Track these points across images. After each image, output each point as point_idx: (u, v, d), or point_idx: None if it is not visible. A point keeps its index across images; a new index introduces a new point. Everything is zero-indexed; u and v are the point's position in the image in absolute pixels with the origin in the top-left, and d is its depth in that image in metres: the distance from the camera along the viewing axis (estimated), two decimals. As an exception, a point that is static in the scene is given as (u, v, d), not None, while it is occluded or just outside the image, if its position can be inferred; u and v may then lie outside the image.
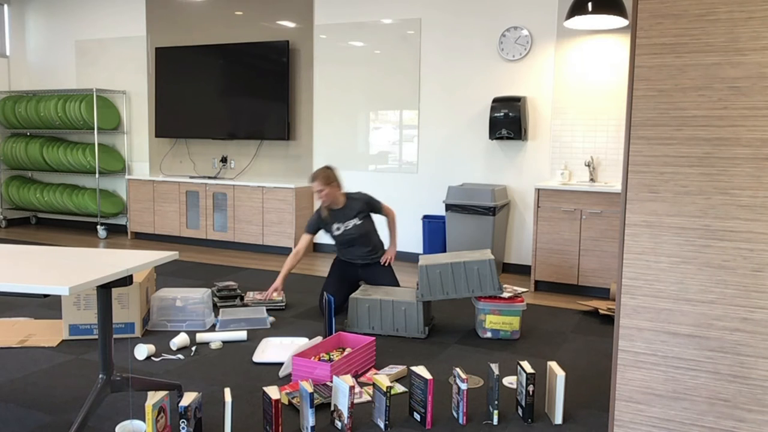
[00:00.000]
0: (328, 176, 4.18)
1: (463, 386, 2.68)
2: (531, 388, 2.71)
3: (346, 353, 3.16)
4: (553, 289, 5.09)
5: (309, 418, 2.53)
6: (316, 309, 4.44)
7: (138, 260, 2.55)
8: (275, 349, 3.56)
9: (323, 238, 6.59)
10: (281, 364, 3.36)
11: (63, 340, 3.67)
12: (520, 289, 3.99)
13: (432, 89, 5.94)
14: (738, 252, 1.98)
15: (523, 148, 5.62)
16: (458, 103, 5.84)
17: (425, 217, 5.90)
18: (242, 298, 4.55)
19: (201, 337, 3.68)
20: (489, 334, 3.83)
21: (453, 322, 4.16)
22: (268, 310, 4.39)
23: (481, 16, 5.68)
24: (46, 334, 3.77)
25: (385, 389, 2.61)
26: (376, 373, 3.19)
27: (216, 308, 4.41)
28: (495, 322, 3.80)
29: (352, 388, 2.57)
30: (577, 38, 5.32)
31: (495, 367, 2.68)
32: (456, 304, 4.57)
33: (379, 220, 5.85)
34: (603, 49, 5.23)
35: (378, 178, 6.27)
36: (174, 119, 7.08)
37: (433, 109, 5.96)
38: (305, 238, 4.32)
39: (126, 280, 2.42)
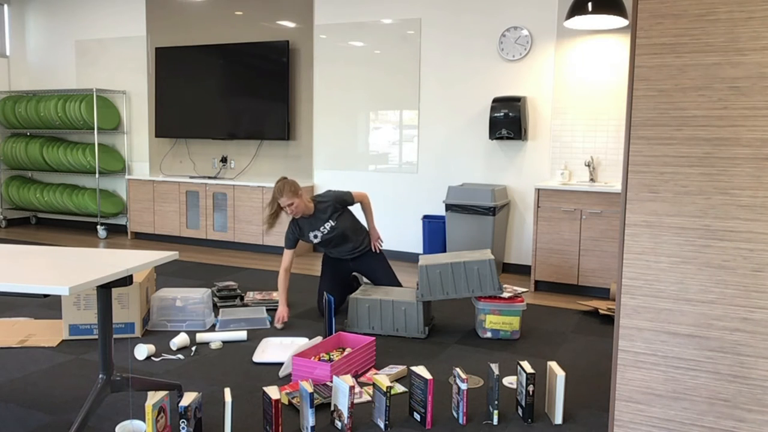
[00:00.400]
0: (294, 188, 3.99)
1: (463, 386, 2.68)
2: (531, 388, 2.71)
3: (346, 353, 3.16)
4: (553, 289, 5.09)
5: (309, 418, 2.53)
6: (316, 309, 4.44)
7: (138, 260, 2.55)
8: (275, 349, 3.56)
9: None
10: (281, 364, 3.36)
11: (63, 340, 3.67)
12: (520, 289, 3.99)
13: (432, 89, 5.94)
14: (738, 252, 1.98)
15: (523, 148, 5.62)
16: (458, 103, 5.84)
17: (425, 217, 5.90)
18: (242, 298, 4.55)
19: (201, 337, 3.68)
20: (489, 334, 3.83)
21: (453, 322, 4.16)
22: (268, 309, 4.39)
23: (481, 15, 5.68)
24: (46, 334, 3.77)
25: (385, 389, 2.61)
26: (376, 373, 3.19)
27: (216, 308, 4.41)
28: (495, 322, 3.80)
29: (352, 388, 2.57)
30: (577, 38, 5.32)
31: (495, 367, 2.68)
32: (456, 304, 4.57)
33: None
34: (603, 49, 5.23)
35: (378, 178, 6.27)
36: (174, 119, 7.08)
37: (433, 109, 5.96)
38: (288, 254, 4.16)
39: (126, 280, 2.42)
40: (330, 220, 4.16)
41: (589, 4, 4.71)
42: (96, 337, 3.70)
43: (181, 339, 3.58)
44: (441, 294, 3.79)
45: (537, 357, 3.53)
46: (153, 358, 3.44)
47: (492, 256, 3.81)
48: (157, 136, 7.20)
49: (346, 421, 2.59)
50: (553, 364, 2.81)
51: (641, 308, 2.11)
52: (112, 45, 7.54)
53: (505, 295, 3.82)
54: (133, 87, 7.47)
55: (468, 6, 5.72)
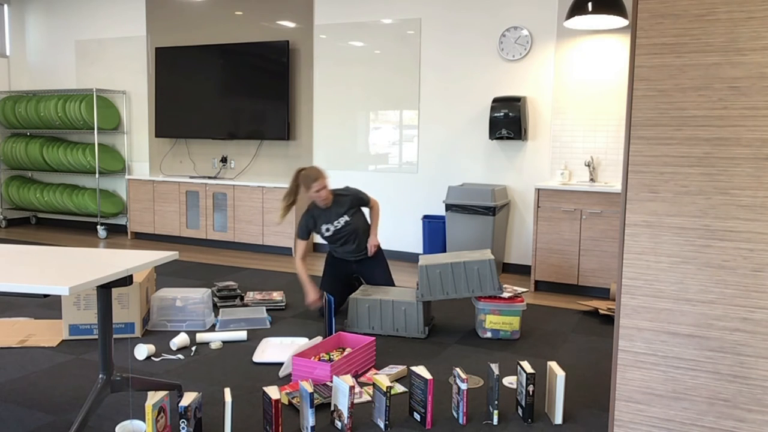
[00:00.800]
0: (324, 174, 4.10)
1: (463, 386, 2.68)
2: (531, 388, 2.71)
3: (346, 353, 3.16)
4: (553, 289, 5.09)
5: (309, 418, 2.53)
6: (317, 309, 4.44)
7: (138, 260, 2.55)
8: (275, 349, 3.56)
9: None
10: (281, 364, 3.36)
11: (63, 340, 3.67)
12: (520, 289, 3.99)
13: (432, 89, 5.95)
14: (738, 252, 1.98)
15: (523, 148, 5.62)
16: (458, 103, 5.84)
17: (425, 217, 5.90)
18: (242, 298, 4.55)
19: (201, 337, 3.68)
20: (489, 334, 3.83)
21: (453, 322, 4.16)
22: (267, 309, 4.39)
23: (481, 15, 5.68)
24: (46, 334, 3.77)
25: (385, 389, 2.61)
26: (376, 373, 3.19)
27: (216, 308, 4.41)
28: (495, 322, 3.80)
29: (352, 388, 2.57)
30: (577, 38, 5.32)
31: (495, 367, 2.68)
32: (456, 304, 4.57)
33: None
34: (603, 49, 5.23)
35: (378, 178, 6.27)
36: (174, 119, 7.08)
37: (433, 109, 5.96)
38: (302, 244, 4.22)
39: (126, 280, 2.42)
40: (346, 215, 4.20)
41: (589, 4, 4.71)
42: (96, 337, 3.70)
43: (181, 339, 3.58)
44: (441, 294, 3.79)
45: (537, 357, 3.53)
46: (153, 358, 3.44)
47: (492, 256, 3.81)
48: (157, 136, 7.20)
49: (346, 421, 2.59)
50: (553, 364, 2.81)
51: (641, 308, 2.11)
52: (112, 45, 7.54)
53: (505, 295, 3.82)
54: (133, 87, 7.47)
55: (468, 6, 5.72)
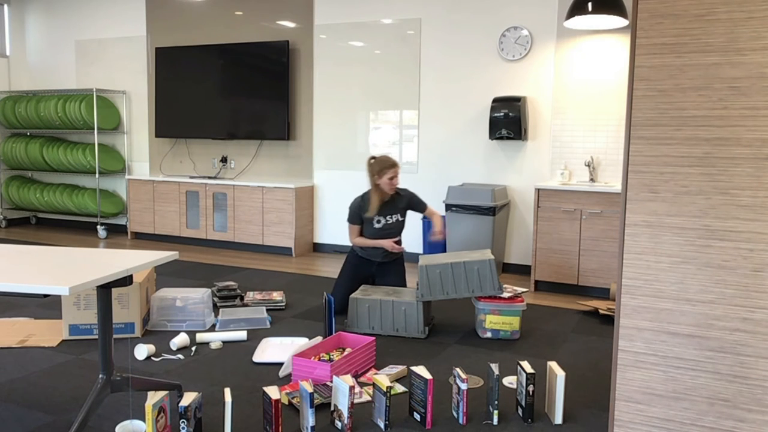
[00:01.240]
0: (398, 163, 4.24)
1: (463, 386, 2.68)
2: (531, 388, 2.71)
3: (346, 353, 3.16)
4: (553, 289, 5.09)
5: (309, 418, 2.53)
6: (316, 309, 4.44)
7: (138, 260, 2.55)
8: (275, 349, 3.56)
9: (324, 237, 6.59)
10: (281, 364, 3.36)
11: (63, 340, 3.67)
12: (520, 289, 3.99)
13: (432, 89, 5.95)
14: (738, 252, 1.98)
15: (523, 148, 5.62)
16: (458, 103, 5.84)
17: (425, 217, 5.89)
18: (242, 298, 4.55)
19: (201, 337, 3.68)
20: (489, 334, 3.83)
21: (453, 322, 4.16)
22: (267, 309, 4.39)
23: (481, 15, 5.68)
24: (46, 334, 3.77)
25: (385, 389, 2.61)
26: (376, 373, 3.19)
27: (216, 308, 4.41)
28: (495, 322, 3.80)
29: (352, 388, 2.57)
30: (577, 38, 5.32)
31: (495, 367, 2.68)
32: (456, 304, 4.57)
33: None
34: (603, 49, 5.23)
35: (378, 178, 6.26)
36: (174, 119, 7.08)
37: (433, 109, 5.96)
38: (355, 229, 4.33)
39: (126, 280, 2.42)
40: (399, 214, 4.33)
41: (589, 4, 4.71)
42: (96, 337, 3.70)
43: (181, 339, 3.58)
44: (441, 294, 3.79)
45: (537, 357, 3.53)
46: (153, 358, 3.44)
47: (492, 256, 3.81)
48: (157, 136, 7.20)
49: (346, 421, 2.59)
50: (553, 364, 2.81)
51: (641, 308, 2.11)
52: (112, 45, 7.54)
53: (505, 295, 3.82)
54: (133, 87, 7.47)
55: (468, 6, 5.72)
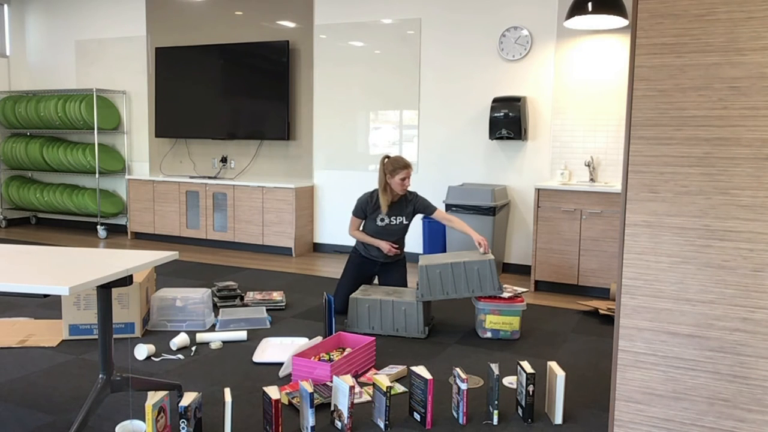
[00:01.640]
0: (411, 165, 4.24)
1: (463, 386, 2.68)
2: (531, 388, 2.71)
3: (346, 353, 3.16)
4: (553, 289, 5.09)
5: (309, 418, 2.53)
6: (316, 309, 4.44)
7: (138, 260, 2.55)
8: (275, 349, 3.56)
9: (324, 237, 6.59)
10: (281, 364, 3.36)
11: (63, 340, 3.67)
12: (520, 289, 3.99)
13: (432, 89, 5.95)
14: (738, 252, 1.98)
15: (523, 148, 5.62)
16: (458, 103, 5.84)
17: (425, 217, 5.89)
18: (242, 298, 4.55)
19: (201, 337, 3.68)
20: (489, 334, 3.83)
21: (453, 322, 4.16)
22: (267, 309, 4.39)
23: (481, 15, 5.68)
24: (46, 334, 3.77)
25: (385, 389, 2.61)
26: (376, 373, 3.19)
27: (216, 308, 4.41)
28: (495, 322, 3.80)
29: (352, 388, 2.57)
30: (577, 38, 5.32)
31: (495, 367, 2.68)
32: (456, 304, 4.57)
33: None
34: (603, 49, 5.23)
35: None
36: (174, 119, 7.08)
37: (433, 109, 5.96)
38: (356, 221, 4.33)
39: (126, 280, 2.42)
40: (404, 217, 4.31)
41: (589, 4, 4.71)
42: (96, 337, 3.70)
43: (181, 339, 3.58)
44: (441, 294, 3.79)
45: (537, 357, 3.53)
46: (153, 358, 3.44)
47: (492, 256, 3.81)
48: (157, 136, 7.20)
49: (346, 421, 2.59)
50: (553, 364, 2.81)
51: (641, 308, 2.11)
52: (112, 45, 7.54)
53: (505, 295, 3.82)
54: (133, 87, 7.47)
55: (468, 6, 5.72)
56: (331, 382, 2.96)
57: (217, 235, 6.70)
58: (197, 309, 3.96)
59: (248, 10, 6.72)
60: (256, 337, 3.81)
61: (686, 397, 2.07)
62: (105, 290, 2.51)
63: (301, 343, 3.66)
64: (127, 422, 2.63)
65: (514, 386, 3.10)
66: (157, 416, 2.39)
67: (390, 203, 4.27)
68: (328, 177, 6.54)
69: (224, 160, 7.01)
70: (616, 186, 4.95)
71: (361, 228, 4.35)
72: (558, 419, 2.72)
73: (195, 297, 3.95)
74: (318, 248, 6.64)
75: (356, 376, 3.20)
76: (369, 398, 2.94)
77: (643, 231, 2.09)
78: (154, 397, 2.40)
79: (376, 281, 4.72)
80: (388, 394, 2.61)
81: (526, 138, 5.55)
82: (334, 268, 5.78)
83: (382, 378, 2.65)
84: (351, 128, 6.37)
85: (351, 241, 6.43)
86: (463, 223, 4.25)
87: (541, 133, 5.53)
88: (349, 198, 6.43)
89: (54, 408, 2.80)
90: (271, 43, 6.46)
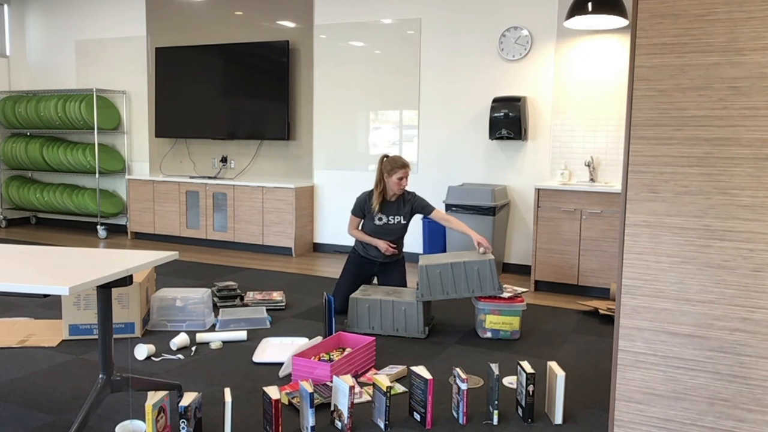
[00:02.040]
0: (409, 165, 4.26)
1: (463, 386, 2.68)
2: (531, 388, 2.71)
3: (346, 353, 3.16)
4: (553, 289, 5.09)
5: (309, 418, 2.53)
6: (316, 309, 4.44)
7: (138, 260, 2.55)
8: (275, 349, 3.56)
9: (324, 237, 6.59)
10: (281, 364, 3.36)
11: (63, 340, 3.67)
12: (520, 289, 3.99)
13: (432, 89, 5.95)
14: (738, 252, 1.97)
15: (523, 148, 5.62)
16: (458, 103, 5.84)
17: (425, 217, 5.89)
18: (242, 298, 4.55)
19: (201, 337, 3.68)
20: (489, 334, 3.83)
21: (453, 322, 4.16)
22: (267, 309, 4.39)
23: (481, 15, 5.68)
24: (46, 334, 3.77)
25: (385, 389, 2.61)
26: (376, 373, 3.19)
27: (216, 308, 4.41)
28: (495, 322, 3.80)
29: (352, 388, 2.57)
30: (577, 38, 5.32)
31: (495, 367, 2.68)
32: (456, 304, 4.57)
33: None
34: (603, 49, 5.23)
35: (378, 178, 6.26)
36: (174, 119, 7.08)
37: (433, 109, 5.96)
38: (355, 220, 4.34)
39: (126, 280, 2.42)
40: (402, 217, 4.31)
41: (589, 4, 4.71)
42: (96, 337, 3.70)
43: (181, 339, 3.58)
44: (441, 294, 3.79)
45: (537, 357, 3.53)
46: (153, 358, 3.44)
47: (492, 256, 3.81)
48: (157, 136, 7.20)
49: (346, 421, 2.59)
50: (553, 364, 2.81)
51: (641, 308, 2.11)
52: (112, 45, 7.54)
53: (505, 295, 3.82)
54: (133, 87, 7.47)
55: (468, 6, 5.72)
56: (331, 382, 2.96)
57: (217, 235, 6.70)
58: (197, 309, 3.96)
59: (248, 10, 6.72)
60: (256, 337, 3.81)
61: (686, 397, 2.07)
62: (105, 290, 2.51)
63: (301, 343, 3.66)
64: (127, 422, 2.63)
65: (514, 386, 3.10)
66: (157, 416, 2.39)
67: (382, 201, 4.27)
68: (328, 177, 6.54)
69: (224, 160, 7.01)
70: (616, 186, 4.95)
71: (360, 227, 4.36)
72: (558, 419, 2.72)
73: (195, 297, 3.95)
74: (318, 248, 6.64)
75: (356, 376, 3.20)
76: (369, 398, 2.94)
77: (643, 231, 2.09)
78: (154, 397, 2.40)
79: (375, 281, 4.73)
80: (388, 394, 2.61)
81: (526, 138, 5.55)
82: (334, 268, 5.78)
83: (382, 378, 2.65)
84: (351, 128, 6.37)
85: (351, 241, 6.43)
86: (462, 223, 4.25)
87: (541, 133, 5.53)
88: (349, 198, 6.43)
89: (54, 408, 2.80)
90: (271, 43, 6.46)
